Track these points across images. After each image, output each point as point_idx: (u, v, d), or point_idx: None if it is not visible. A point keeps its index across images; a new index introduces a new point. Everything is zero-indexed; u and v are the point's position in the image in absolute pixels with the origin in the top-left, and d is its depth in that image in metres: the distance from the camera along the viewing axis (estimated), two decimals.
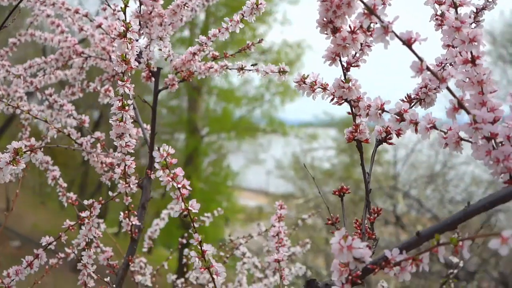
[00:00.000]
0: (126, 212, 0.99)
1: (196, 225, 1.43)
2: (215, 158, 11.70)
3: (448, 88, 0.52)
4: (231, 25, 0.90)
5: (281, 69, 0.88)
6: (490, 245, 0.42)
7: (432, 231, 0.52)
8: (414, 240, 0.54)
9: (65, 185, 1.13)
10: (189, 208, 0.65)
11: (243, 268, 1.37)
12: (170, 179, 0.64)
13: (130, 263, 1.01)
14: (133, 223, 0.99)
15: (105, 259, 1.03)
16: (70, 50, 1.21)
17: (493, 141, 0.53)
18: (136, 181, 0.93)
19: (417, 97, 0.70)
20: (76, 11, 1.13)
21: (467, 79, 0.56)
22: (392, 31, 0.51)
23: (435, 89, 0.69)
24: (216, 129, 11.53)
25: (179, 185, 0.64)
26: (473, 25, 0.74)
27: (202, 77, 1.00)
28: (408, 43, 0.52)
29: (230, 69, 0.99)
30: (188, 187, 0.65)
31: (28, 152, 0.66)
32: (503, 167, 0.52)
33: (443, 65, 0.70)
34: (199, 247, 0.67)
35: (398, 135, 0.70)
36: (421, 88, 0.70)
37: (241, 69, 0.96)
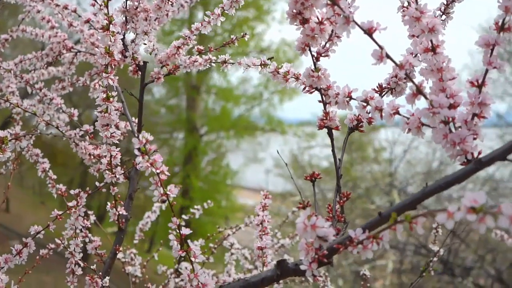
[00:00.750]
0: (113, 202, 1.01)
1: (186, 216, 1.44)
2: (214, 157, 11.74)
3: (407, 75, 0.55)
4: (212, 18, 0.93)
5: (263, 62, 0.91)
6: (437, 219, 0.44)
7: (392, 211, 0.54)
8: (376, 220, 0.56)
9: (54, 177, 1.15)
10: (168, 192, 0.68)
11: (231, 259, 1.40)
12: (149, 165, 0.66)
13: (117, 252, 1.04)
14: (120, 213, 1.02)
15: (93, 248, 1.06)
16: (60, 45, 1.24)
17: (451, 125, 0.56)
18: (122, 171, 0.96)
19: (388, 86, 0.73)
20: (65, 7, 1.16)
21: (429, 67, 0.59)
22: (353, 21, 0.54)
23: (405, 78, 0.72)
24: (215, 128, 11.57)
25: (158, 171, 0.67)
26: (443, 16, 0.76)
27: (187, 70, 1.03)
28: (369, 32, 0.54)
29: (214, 62, 1.02)
30: (167, 173, 0.68)
31: (13, 140, 0.69)
32: (459, 150, 0.54)
33: (413, 55, 0.73)
34: (178, 231, 0.70)
35: (369, 123, 0.72)
36: (391, 77, 0.73)
37: (224, 62, 0.99)
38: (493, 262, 6.21)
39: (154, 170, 0.67)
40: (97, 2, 1.05)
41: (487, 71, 0.56)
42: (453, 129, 0.57)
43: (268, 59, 0.91)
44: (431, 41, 0.58)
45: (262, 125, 11.83)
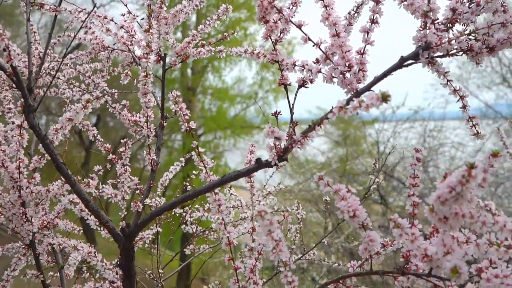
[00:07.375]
0: (148, 150, 1.47)
1: (195, 153, 1.90)
2: (212, 156, 12.17)
3: (320, 49, 1.01)
4: (211, 21, 1.40)
5: (246, 49, 1.37)
6: (349, 109, 0.90)
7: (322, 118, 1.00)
8: (309, 129, 1.02)
9: (102, 140, 1.61)
10: (190, 126, 1.13)
11: (230, 203, 1.86)
12: (179, 110, 1.12)
13: (151, 186, 1.49)
14: (153, 158, 1.47)
15: (134, 184, 1.51)
16: (99, 46, 1.69)
17: (347, 74, 1.02)
18: (155, 127, 1.41)
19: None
20: (105, 17, 1.61)
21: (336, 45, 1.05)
22: (290, 21, 1.00)
23: (331, 54, 1.17)
24: (212, 128, 12.00)
25: (184, 113, 1.12)
26: (355, 14, 1.22)
27: (195, 58, 1.49)
28: (299, 26, 1.00)
29: (213, 52, 1.48)
30: (188, 114, 1.13)
31: (95, 100, 1.15)
32: (350, 88, 1.00)
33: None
34: (197, 150, 1.15)
35: (311, 82, 1.18)
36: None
37: (221, 51, 1.45)
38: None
39: (181, 113, 1.12)
40: (130, 13, 1.51)
41: (365, 46, 1.02)
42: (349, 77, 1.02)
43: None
44: (336, 30, 1.04)
45: (258, 124, 12.25)
